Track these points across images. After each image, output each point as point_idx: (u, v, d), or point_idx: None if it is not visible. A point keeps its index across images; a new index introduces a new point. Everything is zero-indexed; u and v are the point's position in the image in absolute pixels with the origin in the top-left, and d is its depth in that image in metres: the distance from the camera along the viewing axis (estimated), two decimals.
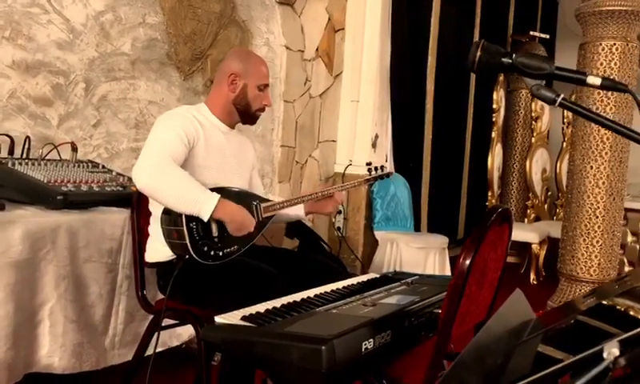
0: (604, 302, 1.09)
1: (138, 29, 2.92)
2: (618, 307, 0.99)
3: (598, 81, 0.82)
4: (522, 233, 5.20)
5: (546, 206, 6.08)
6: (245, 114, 2.12)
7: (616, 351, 0.44)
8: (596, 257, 3.76)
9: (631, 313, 0.91)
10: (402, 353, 1.53)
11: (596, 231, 3.74)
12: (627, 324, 0.82)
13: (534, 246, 5.07)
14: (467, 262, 1.41)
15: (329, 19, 4.21)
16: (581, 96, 3.84)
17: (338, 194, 2.28)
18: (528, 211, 5.92)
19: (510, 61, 0.85)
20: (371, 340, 1.36)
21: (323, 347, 1.23)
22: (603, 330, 0.91)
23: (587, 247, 3.77)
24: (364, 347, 1.34)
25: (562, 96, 0.84)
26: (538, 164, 5.90)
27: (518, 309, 0.81)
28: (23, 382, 1.90)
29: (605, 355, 0.44)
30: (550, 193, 6.18)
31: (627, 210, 4.72)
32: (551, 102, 0.83)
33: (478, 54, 0.86)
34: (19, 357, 1.86)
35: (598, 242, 3.75)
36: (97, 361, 2.12)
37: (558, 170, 5.99)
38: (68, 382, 2.08)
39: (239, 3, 3.50)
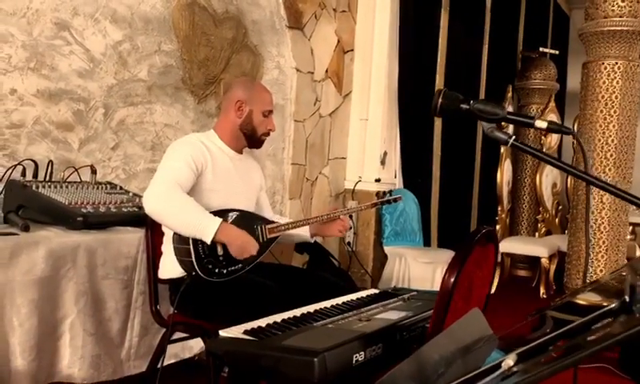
0: (572, 299, 1.20)
1: (154, 56, 3.09)
2: (581, 302, 1.09)
3: (544, 124, 0.94)
4: (531, 247, 5.26)
5: (557, 220, 6.13)
6: (251, 138, 2.26)
7: (510, 362, 0.55)
8: (601, 271, 3.82)
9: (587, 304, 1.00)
10: (392, 365, 1.64)
11: (600, 246, 3.80)
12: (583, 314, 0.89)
13: (543, 260, 5.13)
14: (451, 279, 1.52)
15: (338, 41, 4.36)
16: (585, 113, 3.92)
17: (345, 218, 2.37)
18: (539, 225, 5.97)
19: (468, 106, 0.97)
20: (362, 353, 1.47)
21: (315, 359, 1.34)
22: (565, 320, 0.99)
23: (592, 262, 3.84)
24: (355, 359, 1.45)
25: (513, 137, 0.95)
26: (548, 178, 5.95)
27: (474, 325, 0.92)
28: None
29: (502, 365, 0.55)
30: (560, 207, 6.22)
31: (635, 224, 4.77)
32: (504, 143, 0.95)
33: (440, 101, 0.98)
34: (42, 367, 2.00)
35: (603, 256, 3.81)
36: (113, 371, 2.26)
37: (568, 185, 6.03)
38: None
39: (250, 29, 3.66)
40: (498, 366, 0.56)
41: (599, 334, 0.56)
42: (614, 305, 0.66)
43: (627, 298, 0.65)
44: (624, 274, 1.21)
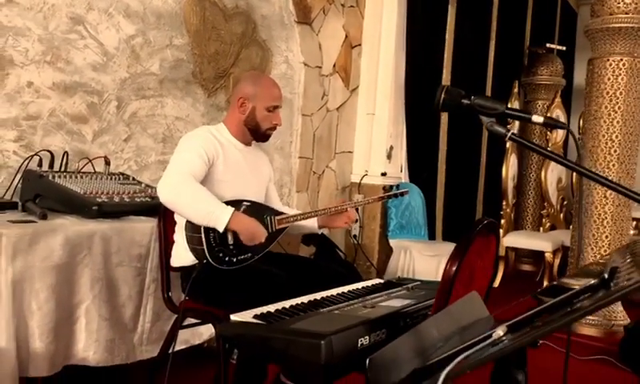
0: (555, 283, 1.26)
1: (166, 50, 3.15)
2: (566, 285, 1.15)
3: (540, 119, 1.00)
4: (536, 241, 5.31)
5: (561, 215, 6.17)
6: (256, 133, 2.32)
7: (501, 332, 0.61)
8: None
9: (574, 287, 1.05)
10: None
11: (603, 240, 3.85)
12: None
13: (547, 255, 5.17)
14: (453, 268, 1.58)
15: (346, 36, 4.41)
16: (589, 109, 3.96)
17: (352, 210, 2.43)
18: (543, 220, 6.02)
19: (469, 102, 1.03)
20: (367, 337, 1.54)
21: (322, 342, 1.41)
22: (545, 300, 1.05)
23: (595, 256, 3.88)
24: (360, 343, 1.52)
25: (511, 131, 1.01)
26: (553, 174, 5.99)
27: (472, 307, 0.98)
28: (62, 372, 2.13)
29: (493, 335, 0.62)
30: (565, 202, 6.26)
31: (639, 219, 4.81)
32: (503, 137, 1.01)
33: (442, 96, 1.04)
34: (59, 350, 2.08)
35: (605, 250, 3.85)
36: (127, 356, 2.34)
37: (574, 180, 6.07)
38: (101, 375, 2.31)
39: (260, 24, 3.72)
40: (490, 336, 0.62)
41: (578, 306, 0.62)
42: (593, 282, 0.72)
43: (606, 276, 0.71)
44: (609, 258, 1.27)
